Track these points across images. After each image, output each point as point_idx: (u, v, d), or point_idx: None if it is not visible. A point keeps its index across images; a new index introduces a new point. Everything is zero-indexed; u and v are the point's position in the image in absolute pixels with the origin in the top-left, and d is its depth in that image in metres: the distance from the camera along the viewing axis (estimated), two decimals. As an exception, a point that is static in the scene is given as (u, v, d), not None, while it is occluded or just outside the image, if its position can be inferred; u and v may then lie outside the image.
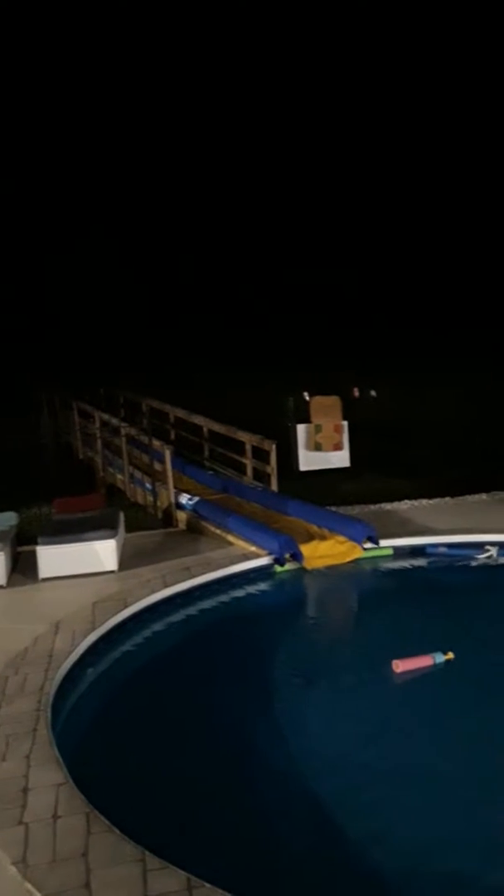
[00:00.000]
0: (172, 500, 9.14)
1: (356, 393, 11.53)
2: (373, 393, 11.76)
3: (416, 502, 9.85)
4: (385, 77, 19.09)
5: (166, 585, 6.55)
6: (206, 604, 6.57)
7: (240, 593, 6.83)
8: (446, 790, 3.79)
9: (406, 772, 3.94)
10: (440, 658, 5.09)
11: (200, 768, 4.06)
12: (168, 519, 9.14)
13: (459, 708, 4.59)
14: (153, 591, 6.39)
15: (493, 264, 16.31)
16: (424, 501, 9.86)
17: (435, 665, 5.07)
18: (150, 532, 8.73)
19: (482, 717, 4.45)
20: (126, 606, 6.03)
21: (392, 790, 3.79)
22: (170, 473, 9.33)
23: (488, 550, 7.35)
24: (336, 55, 19.14)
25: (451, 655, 5.10)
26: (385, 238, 16.84)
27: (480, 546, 7.45)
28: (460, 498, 9.92)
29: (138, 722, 4.60)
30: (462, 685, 4.87)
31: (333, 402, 10.96)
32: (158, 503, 9.45)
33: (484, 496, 9.96)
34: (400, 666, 5.03)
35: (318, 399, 10.91)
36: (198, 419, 11.49)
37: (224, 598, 6.70)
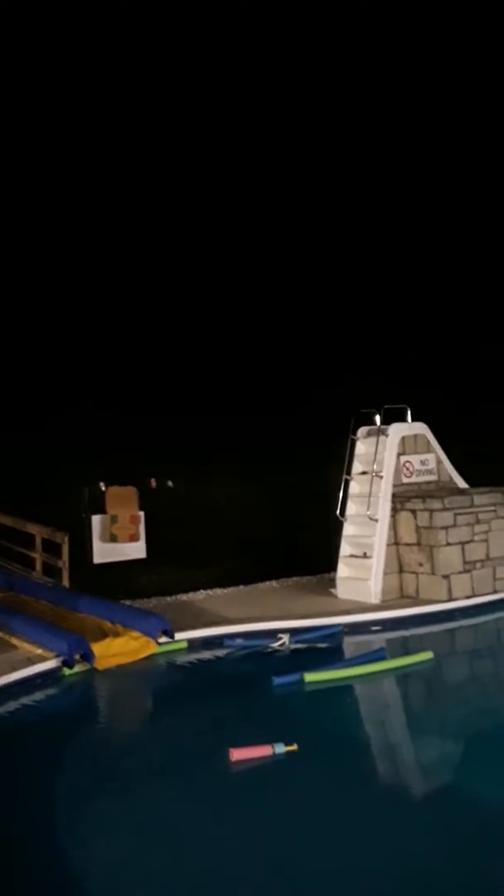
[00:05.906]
0: None
1: (153, 483, 11.52)
2: (169, 483, 11.83)
3: (210, 592, 9.92)
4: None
5: None
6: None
7: (23, 703, 6.20)
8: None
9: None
10: (280, 748, 4.84)
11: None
12: None
13: (249, 808, 4.46)
14: None
15: (280, 356, 16.85)
16: (219, 591, 9.97)
17: (274, 755, 4.82)
18: None
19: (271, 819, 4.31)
20: None
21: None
22: None
23: (281, 638, 7.53)
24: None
25: (294, 747, 4.84)
26: (177, 328, 16.95)
27: (273, 634, 7.63)
28: (252, 586, 10.19)
29: None
30: (257, 784, 4.76)
31: (130, 492, 10.84)
32: None
33: (274, 583, 10.34)
34: (235, 754, 4.79)
35: (114, 489, 10.72)
36: (-19, 510, 10.67)
37: (2, 710, 6.04)
